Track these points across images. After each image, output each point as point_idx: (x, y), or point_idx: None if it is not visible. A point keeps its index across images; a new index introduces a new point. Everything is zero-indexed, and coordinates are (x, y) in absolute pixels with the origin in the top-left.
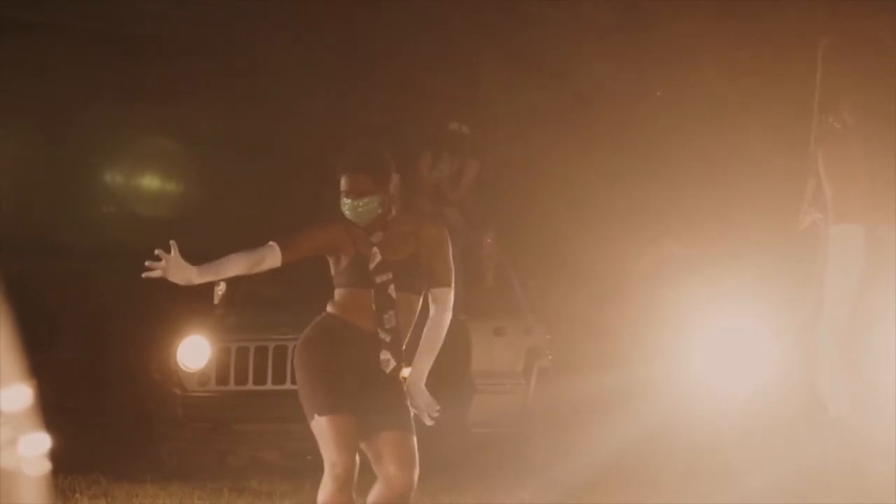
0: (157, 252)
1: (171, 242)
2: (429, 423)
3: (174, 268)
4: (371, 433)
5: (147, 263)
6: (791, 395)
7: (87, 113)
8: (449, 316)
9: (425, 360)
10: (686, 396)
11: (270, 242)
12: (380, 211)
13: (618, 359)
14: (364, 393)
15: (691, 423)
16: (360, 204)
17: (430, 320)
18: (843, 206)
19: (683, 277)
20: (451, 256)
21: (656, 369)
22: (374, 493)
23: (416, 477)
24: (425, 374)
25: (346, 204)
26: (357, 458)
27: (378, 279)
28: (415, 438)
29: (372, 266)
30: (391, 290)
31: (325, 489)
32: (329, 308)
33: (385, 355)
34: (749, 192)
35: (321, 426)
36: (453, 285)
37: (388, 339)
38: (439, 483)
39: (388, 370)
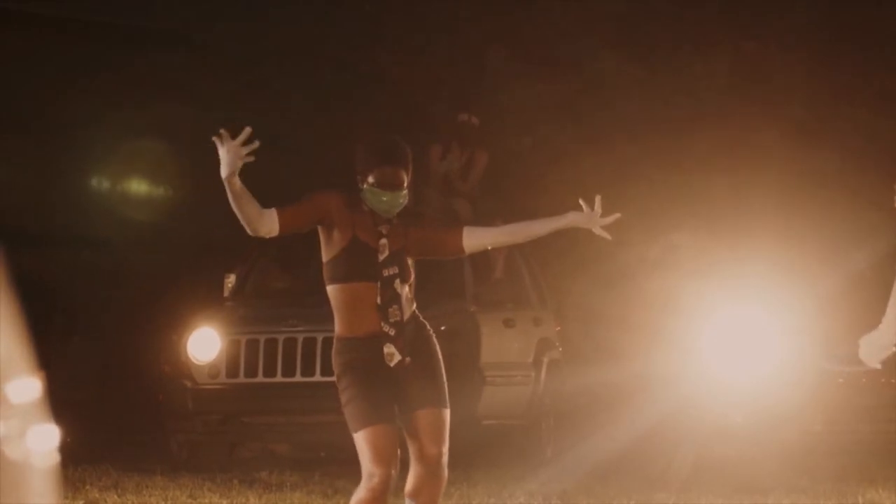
0: (222, 132)
1: (247, 129)
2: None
3: (231, 154)
4: (407, 417)
5: (215, 138)
6: (801, 387)
7: (99, 106)
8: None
9: (539, 224)
10: (696, 388)
11: (272, 208)
12: (406, 204)
13: (628, 350)
14: (392, 393)
15: (701, 414)
16: (398, 196)
17: (504, 228)
18: None
19: (693, 269)
20: (437, 223)
21: (666, 361)
22: (410, 475)
23: (444, 452)
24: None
25: (381, 195)
26: (395, 470)
27: (387, 272)
28: (446, 413)
29: (382, 258)
30: (397, 283)
31: (359, 498)
32: (337, 330)
33: (389, 349)
34: (759, 182)
35: (359, 440)
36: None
37: (392, 332)
38: (450, 475)
39: (392, 363)
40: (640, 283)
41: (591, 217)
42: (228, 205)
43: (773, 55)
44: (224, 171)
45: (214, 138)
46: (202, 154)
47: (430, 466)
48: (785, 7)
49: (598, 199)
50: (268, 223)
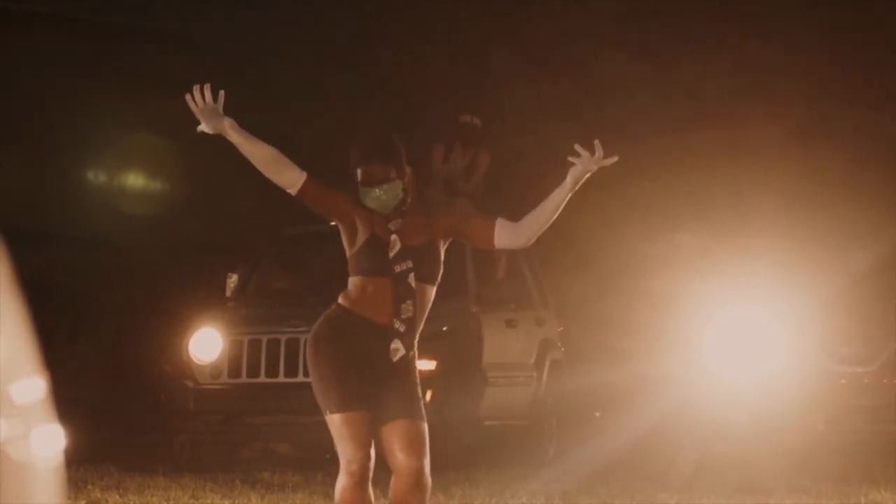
0: (195, 88)
1: (221, 92)
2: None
3: (208, 112)
4: (381, 424)
5: (188, 97)
6: (802, 387)
7: (108, 107)
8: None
9: (551, 203)
10: (697, 388)
11: (305, 171)
12: (402, 196)
13: (629, 351)
14: (377, 386)
15: (703, 414)
16: (384, 190)
17: (525, 224)
18: None
19: (695, 269)
20: (470, 211)
21: (668, 361)
22: (393, 485)
23: (425, 464)
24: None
25: (369, 193)
26: (373, 453)
27: (398, 268)
28: (425, 426)
29: (392, 254)
30: (411, 278)
31: (341, 485)
32: (341, 300)
33: (396, 344)
34: (760, 182)
35: (336, 423)
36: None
37: (402, 329)
38: (452, 476)
39: (395, 359)
40: (643, 283)
41: (588, 161)
42: (230, 206)
43: (776, 55)
44: (205, 128)
45: (187, 97)
46: (203, 154)
47: (412, 478)
48: (787, 6)
49: (596, 143)
50: (291, 178)
